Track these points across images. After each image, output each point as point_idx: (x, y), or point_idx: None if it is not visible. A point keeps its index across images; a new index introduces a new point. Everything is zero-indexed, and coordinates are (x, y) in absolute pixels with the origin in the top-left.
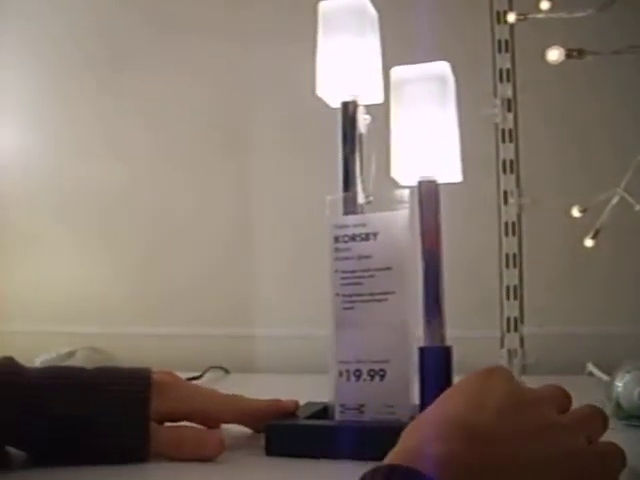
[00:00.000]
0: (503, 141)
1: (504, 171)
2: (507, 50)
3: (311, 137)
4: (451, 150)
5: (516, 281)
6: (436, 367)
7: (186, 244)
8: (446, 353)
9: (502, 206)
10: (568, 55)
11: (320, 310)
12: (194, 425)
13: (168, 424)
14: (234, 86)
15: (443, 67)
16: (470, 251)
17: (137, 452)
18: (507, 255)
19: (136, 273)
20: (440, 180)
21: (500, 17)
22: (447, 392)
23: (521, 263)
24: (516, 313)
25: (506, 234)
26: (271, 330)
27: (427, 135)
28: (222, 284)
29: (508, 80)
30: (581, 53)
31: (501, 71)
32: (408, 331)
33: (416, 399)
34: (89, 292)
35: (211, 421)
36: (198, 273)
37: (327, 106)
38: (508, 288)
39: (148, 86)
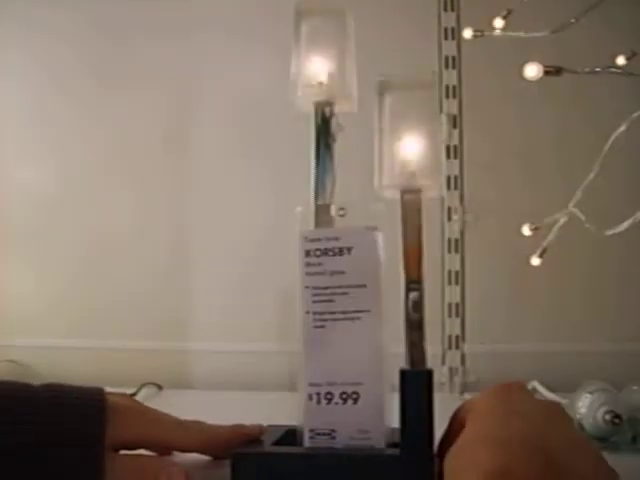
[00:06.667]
0: (448, 157)
1: (448, 187)
2: (454, 67)
3: (270, 145)
4: (436, 162)
5: (458, 298)
6: (418, 391)
7: (119, 255)
8: (428, 376)
9: (445, 222)
10: (547, 72)
11: (256, 325)
12: (151, 454)
13: (123, 452)
14: (181, 88)
15: (429, 76)
16: None
17: None
18: (450, 272)
19: (64, 283)
20: (424, 194)
21: (448, 33)
22: (477, 412)
23: (463, 280)
24: (458, 330)
25: (449, 251)
26: (206, 344)
27: (413, 146)
28: (155, 296)
29: (454, 96)
30: (559, 71)
31: (447, 87)
32: (383, 352)
33: (391, 423)
34: (9, 302)
35: (170, 450)
36: (131, 284)
37: (294, 112)
38: (450, 305)
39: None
